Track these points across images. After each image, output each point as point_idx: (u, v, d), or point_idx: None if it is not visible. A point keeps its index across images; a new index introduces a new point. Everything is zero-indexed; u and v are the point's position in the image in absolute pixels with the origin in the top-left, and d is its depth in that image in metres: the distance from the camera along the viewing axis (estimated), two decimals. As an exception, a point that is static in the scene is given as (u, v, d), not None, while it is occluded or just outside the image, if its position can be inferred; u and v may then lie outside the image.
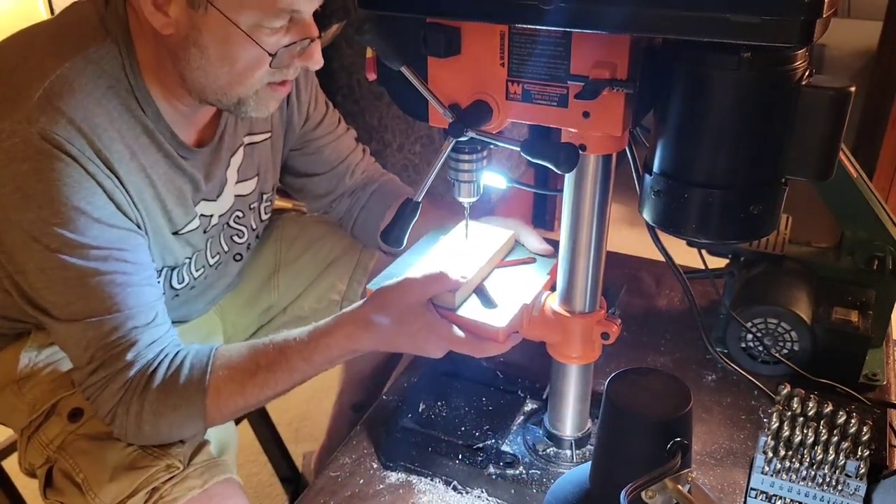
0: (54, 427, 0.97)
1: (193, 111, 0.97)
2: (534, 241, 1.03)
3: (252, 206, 1.13)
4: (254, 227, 1.16)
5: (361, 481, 0.97)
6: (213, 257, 1.09)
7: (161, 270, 1.00)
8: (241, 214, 1.11)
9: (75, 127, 0.83)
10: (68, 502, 0.93)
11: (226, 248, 1.12)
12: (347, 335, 0.89)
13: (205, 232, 1.05)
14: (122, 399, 0.88)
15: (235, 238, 1.12)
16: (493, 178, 0.88)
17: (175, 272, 1.03)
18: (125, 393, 0.88)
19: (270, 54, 0.87)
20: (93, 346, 0.87)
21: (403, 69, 0.73)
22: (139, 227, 0.92)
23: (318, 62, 0.91)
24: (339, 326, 0.89)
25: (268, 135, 1.12)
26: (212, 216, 1.05)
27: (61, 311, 0.87)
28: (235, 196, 1.09)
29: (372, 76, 0.81)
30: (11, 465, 1.18)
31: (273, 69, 0.89)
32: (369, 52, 0.79)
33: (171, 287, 1.04)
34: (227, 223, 1.10)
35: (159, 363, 0.89)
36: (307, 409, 1.99)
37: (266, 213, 1.18)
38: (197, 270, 1.07)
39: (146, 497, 0.89)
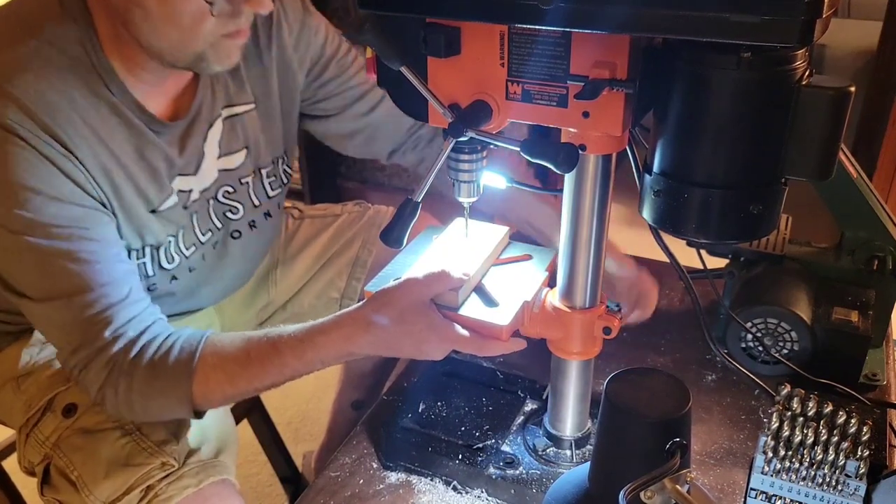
0: (50, 423, 0.97)
1: (160, 79, 0.95)
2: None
3: (244, 181, 1.10)
4: (256, 203, 1.13)
5: (361, 481, 0.97)
6: (204, 234, 1.07)
7: (144, 250, 0.99)
8: (230, 189, 1.09)
9: (25, 110, 0.83)
10: (65, 500, 0.93)
11: (219, 225, 1.09)
12: (345, 336, 0.88)
13: (185, 208, 1.03)
14: (109, 379, 0.87)
15: (229, 214, 1.10)
16: (493, 179, 0.88)
17: (162, 252, 1.01)
18: (111, 373, 0.87)
19: (208, 2, 0.85)
20: (69, 326, 0.87)
21: (403, 69, 0.73)
22: (104, 205, 0.91)
23: (266, 6, 0.90)
24: (336, 326, 0.88)
25: (251, 106, 1.09)
26: (191, 191, 1.03)
27: (35, 292, 0.87)
28: (220, 171, 1.07)
29: (372, 76, 0.81)
30: (11, 464, 1.18)
31: (223, 20, 0.87)
32: (369, 52, 0.79)
33: (162, 268, 1.02)
34: (216, 198, 1.07)
35: (147, 343, 0.88)
36: (307, 409, 1.99)
37: (274, 189, 1.15)
38: (187, 248, 1.05)
39: (141, 495, 0.89)
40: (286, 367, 0.89)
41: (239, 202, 1.11)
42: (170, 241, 1.02)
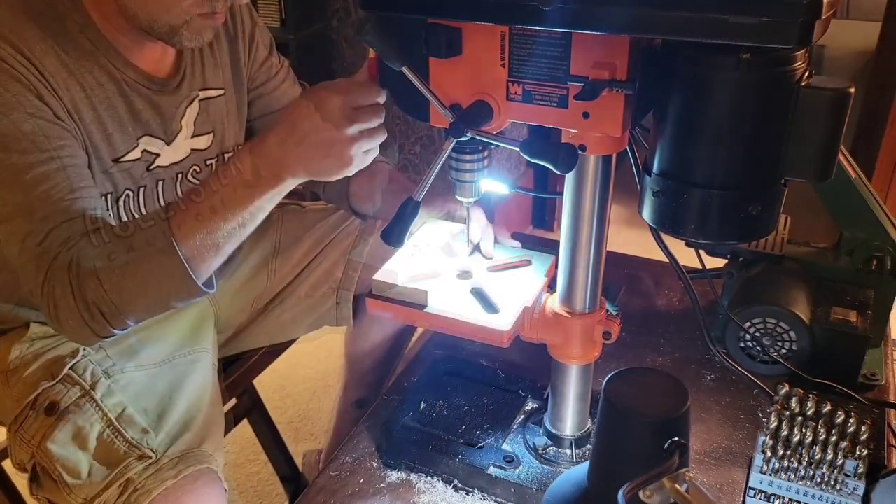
0: (34, 423, 0.97)
1: (137, 43, 0.97)
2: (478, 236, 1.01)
3: (209, 163, 1.13)
4: None
5: (362, 480, 0.97)
6: None
7: (106, 198, 1.00)
8: (198, 169, 1.11)
9: (2, 37, 0.86)
10: (52, 498, 0.93)
11: None
12: (276, 134, 0.84)
13: (149, 170, 1.04)
14: (72, 273, 0.85)
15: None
16: (495, 185, 0.89)
17: (121, 204, 1.02)
18: (70, 268, 0.85)
19: None
20: (29, 238, 0.86)
21: (404, 70, 0.74)
22: (75, 136, 0.92)
23: None
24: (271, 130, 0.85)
25: (221, 91, 1.12)
26: (158, 155, 1.04)
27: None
28: (192, 150, 1.09)
29: (372, 76, 0.81)
30: (11, 464, 1.18)
31: (202, 0, 0.90)
32: (371, 53, 0.80)
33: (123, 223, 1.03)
34: (185, 175, 1.09)
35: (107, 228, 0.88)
36: (307, 409, 1.99)
37: None
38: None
39: (120, 490, 0.89)
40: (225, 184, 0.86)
41: None
42: (128, 195, 1.03)
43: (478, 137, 0.77)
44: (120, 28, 0.95)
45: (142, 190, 1.04)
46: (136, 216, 1.04)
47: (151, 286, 0.87)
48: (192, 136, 1.09)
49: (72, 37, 0.92)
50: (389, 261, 0.96)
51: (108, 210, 1.00)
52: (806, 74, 0.66)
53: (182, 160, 1.08)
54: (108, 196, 1.00)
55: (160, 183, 1.06)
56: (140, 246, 0.86)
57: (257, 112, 1.22)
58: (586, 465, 0.79)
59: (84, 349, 1.01)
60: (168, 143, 1.05)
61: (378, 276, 0.92)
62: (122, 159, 1.00)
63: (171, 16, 0.91)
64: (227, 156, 1.16)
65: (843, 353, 1.07)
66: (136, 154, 1.01)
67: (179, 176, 1.09)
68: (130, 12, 0.91)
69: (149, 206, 1.05)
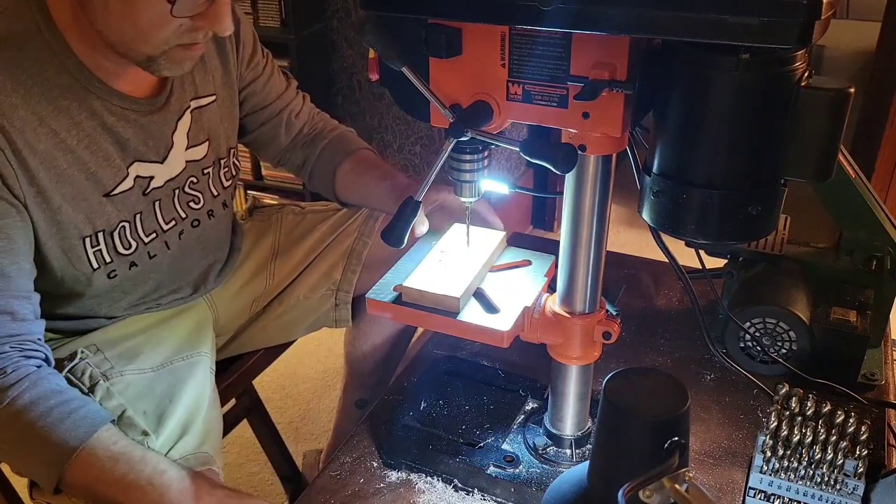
0: None
1: (120, 66, 0.95)
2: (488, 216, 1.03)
3: (206, 171, 1.12)
4: (214, 193, 1.14)
5: (362, 480, 0.97)
6: (167, 223, 1.08)
7: (97, 237, 0.99)
8: (195, 180, 1.10)
9: None
10: (53, 501, 0.93)
11: (183, 215, 1.10)
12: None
13: (144, 194, 1.03)
14: None
15: (192, 204, 1.11)
16: (496, 185, 0.89)
17: (116, 237, 1.01)
18: None
19: (169, 1, 0.85)
20: None
21: (405, 70, 0.74)
22: (26, 205, 0.91)
23: (225, 28, 0.91)
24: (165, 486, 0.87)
25: (212, 97, 1.12)
26: (152, 178, 1.03)
27: None
28: (187, 161, 1.09)
29: (374, 77, 0.81)
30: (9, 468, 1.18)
31: (181, 30, 0.88)
32: (371, 53, 0.80)
33: (119, 254, 1.02)
34: (182, 188, 1.09)
35: (38, 379, 0.88)
36: (307, 409, 1.99)
37: (227, 180, 1.17)
38: (147, 235, 1.05)
39: None
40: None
41: (200, 192, 1.12)
42: (124, 227, 1.02)
43: (478, 137, 0.77)
44: (102, 53, 0.92)
45: (138, 216, 1.03)
46: (135, 243, 1.04)
47: (21, 465, 0.92)
48: (187, 149, 1.08)
49: (49, 76, 0.90)
50: (418, 267, 0.95)
51: (104, 246, 1.00)
52: (806, 74, 0.66)
53: (178, 175, 1.07)
54: (102, 233, 0.99)
55: (157, 203, 1.05)
56: (39, 434, 0.86)
57: (247, 109, 1.22)
58: (586, 464, 0.79)
59: (82, 351, 1.01)
60: (161, 162, 1.04)
61: (408, 283, 0.91)
62: (112, 192, 0.98)
63: (148, 46, 0.89)
64: (221, 161, 1.15)
65: (842, 353, 1.07)
66: (128, 183, 1.00)
67: (176, 191, 1.08)
68: (109, 39, 0.90)
69: (147, 228, 1.05)
